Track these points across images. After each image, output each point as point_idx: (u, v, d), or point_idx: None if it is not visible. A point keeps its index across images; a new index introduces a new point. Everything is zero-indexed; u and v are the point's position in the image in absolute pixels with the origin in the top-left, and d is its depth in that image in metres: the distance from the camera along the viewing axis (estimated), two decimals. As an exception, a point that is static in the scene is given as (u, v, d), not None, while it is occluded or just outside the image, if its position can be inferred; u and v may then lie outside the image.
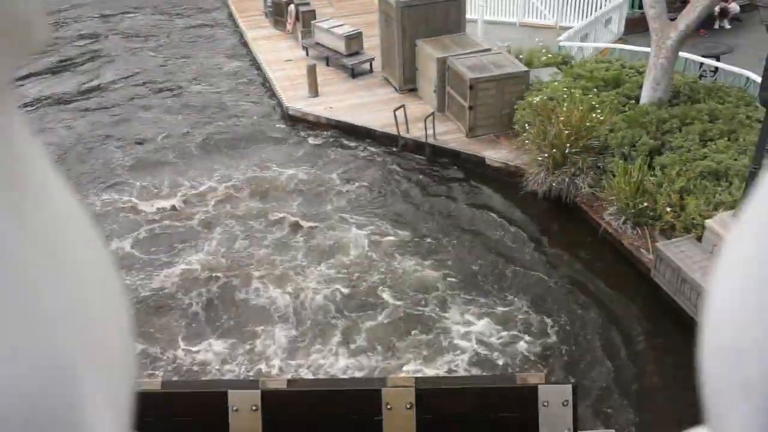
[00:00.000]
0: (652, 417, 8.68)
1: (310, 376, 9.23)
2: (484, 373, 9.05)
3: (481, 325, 10.16)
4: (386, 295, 10.72)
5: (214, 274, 11.25)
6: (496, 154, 13.92)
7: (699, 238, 10.24)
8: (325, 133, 15.33)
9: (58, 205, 0.40)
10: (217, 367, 9.56)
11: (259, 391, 3.92)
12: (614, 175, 11.60)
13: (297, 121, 15.94)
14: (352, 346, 9.84)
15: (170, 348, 9.84)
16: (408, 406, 3.86)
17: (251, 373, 9.41)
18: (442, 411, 3.95)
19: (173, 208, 13.02)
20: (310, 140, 15.18)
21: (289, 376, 9.05)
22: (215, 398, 3.89)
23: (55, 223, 0.39)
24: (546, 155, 12.37)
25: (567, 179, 12.32)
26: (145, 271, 11.35)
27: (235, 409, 3.87)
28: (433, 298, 10.70)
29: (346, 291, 10.84)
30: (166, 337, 10.03)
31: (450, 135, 14.62)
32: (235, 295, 10.85)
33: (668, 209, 10.67)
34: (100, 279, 0.42)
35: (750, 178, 9.49)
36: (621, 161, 11.74)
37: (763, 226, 0.38)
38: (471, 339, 9.92)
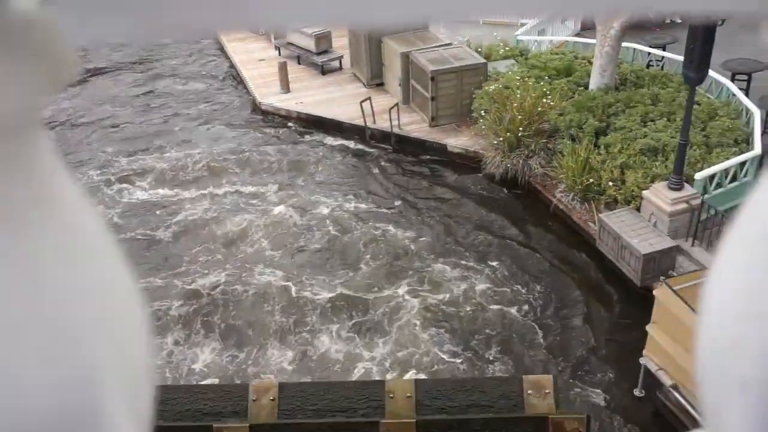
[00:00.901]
0: (592, 355, 9.54)
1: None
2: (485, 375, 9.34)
3: (439, 265, 11.25)
4: (361, 245, 11.58)
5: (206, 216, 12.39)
6: (457, 141, 14.77)
7: (638, 208, 11.12)
8: (295, 126, 16.13)
9: (81, 221, 0.42)
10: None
11: (247, 426, 4.02)
12: (563, 155, 12.49)
13: (269, 115, 16.74)
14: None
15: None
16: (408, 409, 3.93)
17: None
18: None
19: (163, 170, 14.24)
20: (281, 132, 15.97)
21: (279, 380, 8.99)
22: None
23: (79, 239, 0.41)
24: (501, 139, 13.25)
25: (521, 161, 13.19)
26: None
27: None
28: (401, 250, 11.76)
29: (321, 234, 11.89)
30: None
31: (414, 125, 15.46)
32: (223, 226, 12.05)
33: (611, 183, 11.56)
34: (121, 290, 0.44)
35: (679, 150, 10.40)
36: (569, 142, 12.63)
37: (758, 230, 0.38)
38: (431, 271, 11.00)
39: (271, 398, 4.11)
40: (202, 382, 9.24)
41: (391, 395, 3.99)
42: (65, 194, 0.41)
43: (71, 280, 0.40)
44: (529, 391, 4.03)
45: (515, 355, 9.86)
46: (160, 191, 13.86)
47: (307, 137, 15.75)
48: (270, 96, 17.20)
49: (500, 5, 0.39)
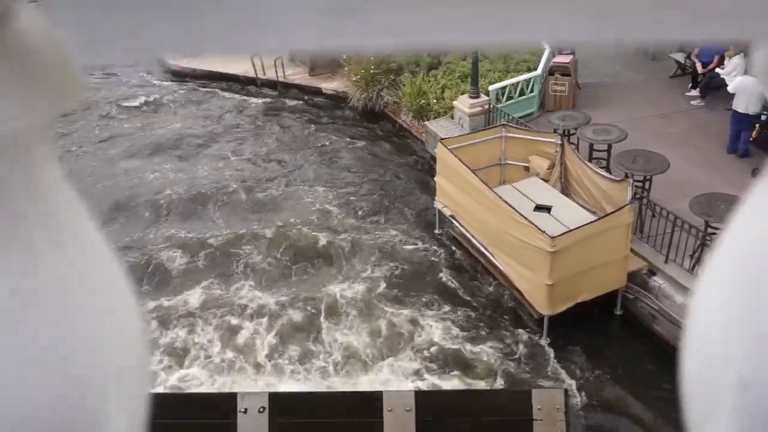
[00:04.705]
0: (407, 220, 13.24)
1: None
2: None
3: (310, 175, 14.78)
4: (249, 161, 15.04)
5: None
6: (330, 85, 18.38)
7: (452, 117, 14.90)
8: (202, 81, 19.50)
9: (84, 234, 0.44)
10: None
11: None
12: (405, 86, 16.19)
13: (178, 75, 20.00)
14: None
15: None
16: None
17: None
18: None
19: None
20: (191, 84, 19.32)
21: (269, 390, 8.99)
22: None
23: (83, 253, 0.43)
24: (359, 77, 16.89)
25: (375, 94, 16.87)
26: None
27: None
28: (284, 162, 15.20)
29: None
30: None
31: (297, 75, 19.00)
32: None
33: (435, 101, 15.31)
34: (121, 300, 0.46)
35: (472, 68, 14.21)
36: (410, 76, 16.34)
37: (746, 242, 0.39)
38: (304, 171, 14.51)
39: (261, 409, 3.94)
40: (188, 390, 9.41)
41: (390, 409, 3.87)
42: (69, 209, 0.43)
43: (74, 291, 0.41)
44: (538, 407, 3.85)
45: (363, 211, 13.46)
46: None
47: (213, 89, 19.13)
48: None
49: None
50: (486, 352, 10.36)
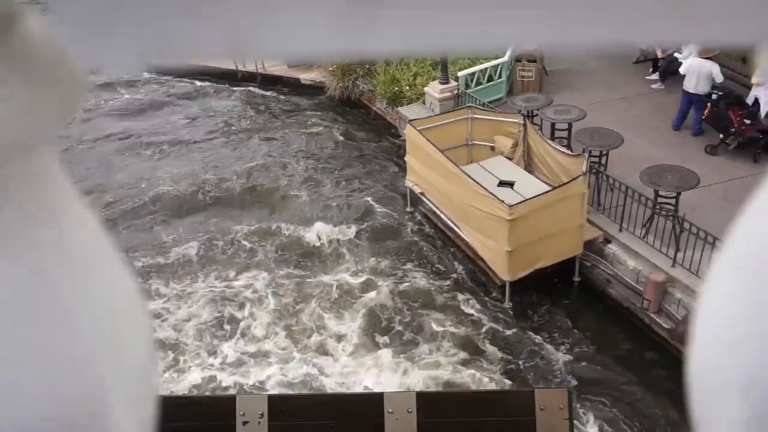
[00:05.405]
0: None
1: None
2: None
3: (290, 159, 15.40)
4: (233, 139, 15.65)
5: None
6: (308, 76, 18.99)
7: (423, 102, 15.56)
8: (180, 76, 20.06)
9: (89, 239, 0.43)
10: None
11: None
12: (379, 75, 16.83)
13: (158, 70, 20.56)
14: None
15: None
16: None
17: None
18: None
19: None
20: (171, 79, 19.91)
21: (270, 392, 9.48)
22: None
23: (88, 257, 0.43)
24: (335, 67, 17.51)
25: (351, 83, 17.50)
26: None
27: None
28: (271, 148, 15.84)
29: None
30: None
31: (276, 67, 19.58)
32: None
33: (407, 88, 15.96)
34: (127, 305, 0.45)
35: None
36: (384, 64, 16.97)
37: (751, 244, 0.39)
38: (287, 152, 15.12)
39: (260, 414, 3.89)
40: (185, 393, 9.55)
41: (390, 410, 3.85)
42: (73, 213, 0.42)
43: (79, 297, 0.41)
44: (541, 407, 3.81)
45: (332, 186, 14.10)
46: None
47: (195, 82, 19.71)
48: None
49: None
50: (453, 313, 11.05)
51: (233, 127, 17.23)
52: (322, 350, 10.72)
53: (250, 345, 10.84)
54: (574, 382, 10.06)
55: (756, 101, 12.87)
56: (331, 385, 10.12)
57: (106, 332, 0.43)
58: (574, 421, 4.37)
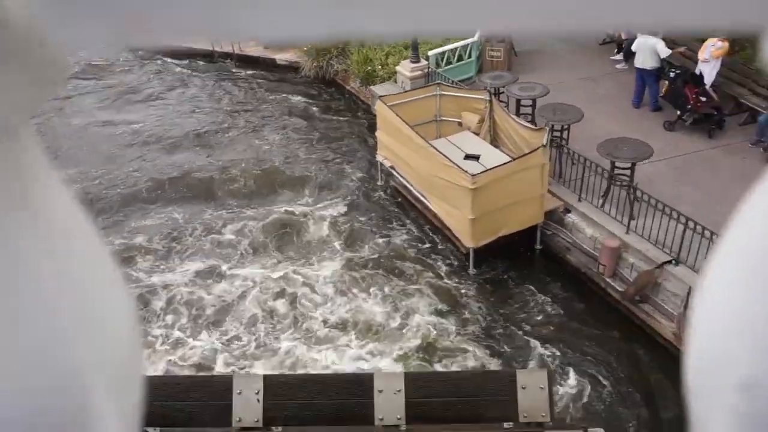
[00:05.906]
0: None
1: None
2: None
3: (266, 132, 15.79)
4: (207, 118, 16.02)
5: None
6: (284, 56, 19.35)
7: (395, 81, 16.00)
8: (156, 56, 20.37)
9: (68, 221, 0.42)
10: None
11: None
12: (353, 54, 17.23)
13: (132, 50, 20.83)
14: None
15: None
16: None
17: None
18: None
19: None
20: (146, 59, 20.21)
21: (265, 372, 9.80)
22: None
23: (66, 240, 0.41)
24: (310, 47, 17.88)
25: (325, 63, 17.89)
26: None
27: None
28: (245, 122, 16.21)
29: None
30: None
31: (252, 48, 19.91)
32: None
33: (380, 67, 16.39)
34: (108, 290, 0.45)
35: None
36: (358, 44, 17.37)
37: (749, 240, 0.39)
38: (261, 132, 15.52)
39: (256, 392, 4.01)
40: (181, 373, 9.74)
41: (380, 389, 4.01)
42: (52, 195, 0.41)
43: (57, 281, 0.40)
44: (523, 386, 3.96)
45: (309, 160, 14.55)
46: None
47: (167, 60, 20.03)
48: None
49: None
50: (421, 279, 11.59)
51: (207, 107, 17.60)
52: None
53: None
54: (537, 343, 10.62)
55: (701, 74, 13.52)
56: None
57: (85, 313, 0.42)
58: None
